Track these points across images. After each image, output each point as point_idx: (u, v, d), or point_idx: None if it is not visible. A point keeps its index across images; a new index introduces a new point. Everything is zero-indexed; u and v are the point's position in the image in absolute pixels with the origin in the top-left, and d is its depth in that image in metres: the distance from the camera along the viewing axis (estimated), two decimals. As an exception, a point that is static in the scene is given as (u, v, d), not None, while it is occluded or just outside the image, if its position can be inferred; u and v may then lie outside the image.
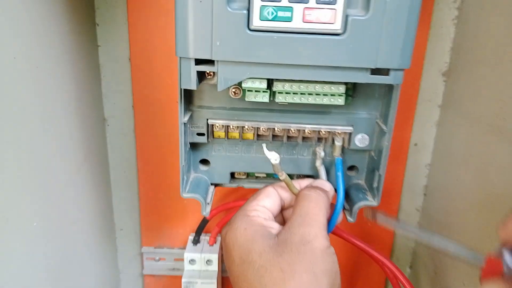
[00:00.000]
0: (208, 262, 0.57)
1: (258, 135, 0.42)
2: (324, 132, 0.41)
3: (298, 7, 0.31)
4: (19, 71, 0.35)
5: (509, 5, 0.42)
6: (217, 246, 0.58)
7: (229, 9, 0.31)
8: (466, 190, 0.49)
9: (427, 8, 0.52)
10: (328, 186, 0.38)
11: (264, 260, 0.32)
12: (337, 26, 0.32)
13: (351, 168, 0.44)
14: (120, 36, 0.52)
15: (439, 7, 0.52)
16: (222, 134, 0.42)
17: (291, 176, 0.41)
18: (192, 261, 0.57)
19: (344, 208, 0.43)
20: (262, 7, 0.31)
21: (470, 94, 0.49)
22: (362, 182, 0.44)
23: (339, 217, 0.38)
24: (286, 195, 0.38)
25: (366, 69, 0.33)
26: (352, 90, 0.39)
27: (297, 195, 0.36)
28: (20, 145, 0.36)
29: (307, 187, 0.37)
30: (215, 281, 0.56)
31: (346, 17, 0.32)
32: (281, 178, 0.37)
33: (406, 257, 0.66)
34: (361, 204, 0.41)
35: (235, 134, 0.42)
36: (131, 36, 0.51)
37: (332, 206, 0.38)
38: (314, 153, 0.42)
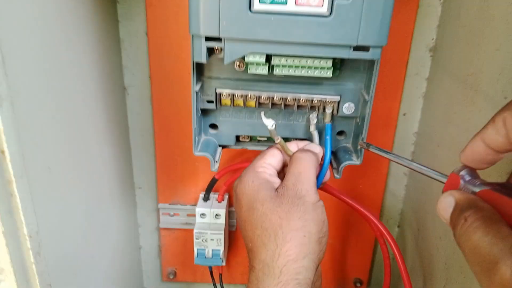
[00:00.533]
0: (217, 216, 0.64)
1: (260, 103, 0.48)
2: (316, 101, 0.47)
3: (291, -7, 0.38)
4: (55, 45, 0.42)
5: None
6: (224, 203, 0.66)
7: (234, -6, 0.38)
8: (448, 154, 0.56)
9: (415, -11, 0.57)
10: (317, 149, 0.44)
11: (266, 208, 0.38)
12: (324, 9, 0.38)
13: (340, 133, 0.51)
14: (138, 13, 0.58)
15: (427, -13, 0.57)
16: (228, 102, 0.48)
17: (287, 139, 0.48)
18: (202, 215, 0.65)
19: (332, 167, 0.49)
20: (262, -7, 0.38)
21: (452, 68, 0.55)
22: (349, 145, 0.51)
23: (327, 175, 0.45)
24: (286, 155, 0.45)
25: (349, 46, 0.40)
26: (340, 64, 0.45)
27: (291, 156, 0.43)
28: (57, 110, 0.43)
29: (299, 150, 0.44)
30: (222, 232, 0.63)
31: (332, 2, 0.38)
32: (276, 141, 0.43)
33: (395, 217, 0.73)
34: (346, 163, 0.47)
35: (240, 102, 0.48)
36: (148, 13, 0.57)
37: (321, 166, 0.44)
38: (308, 120, 0.49)
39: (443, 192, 0.29)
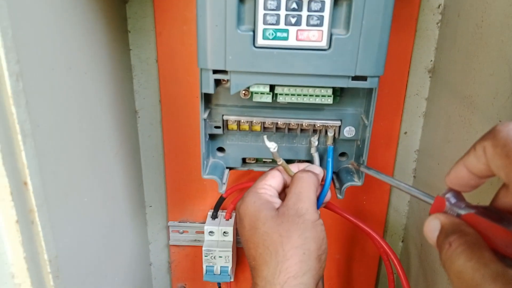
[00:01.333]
0: (225, 233, 0.66)
1: (265, 128, 0.51)
2: (318, 125, 0.50)
3: (292, 29, 0.40)
4: (73, 77, 0.45)
5: (475, 14, 0.49)
6: (232, 220, 0.68)
7: (238, 31, 0.40)
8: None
9: (413, 13, 0.59)
10: (318, 170, 0.46)
11: (267, 227, 0.40)
12: (323, 43, 0.40)
13: (342, 154, 0.53)
14: (148, 41, 0.61)
15: (424, 12, 0.59)
16: (235, 126, 0.51)
17: (291, 161, 0.50)
18: (211, 233, 0.67)
19: (335, 187, 0.51)
20: (265, 29, 0.40)
21: (450, 90, 0.57)
22: (351, 166, 0.53)
23: (328, 195, 0.47)
24: (288, 176, 0.47)
25: (348, 76, 0.42)
26: (340, 91, 0.47)
27: (292, 176, 0.45)
28: (75, 139, 0.45)
29: (300, 170, 0.46)
30: (230, 249, 0.65)
31: (330, 36, 0.40)
32: (279, 163, 0.46)
33: (399, 232, 0.74)
34: (348, 184, 0.49)
35: (246, 126, 0.51)
36: (157, 41, 0.60)
37: (322, 186, 0.46)
38: (310, 142, 0.51)
39: (429, 214, 0.31)
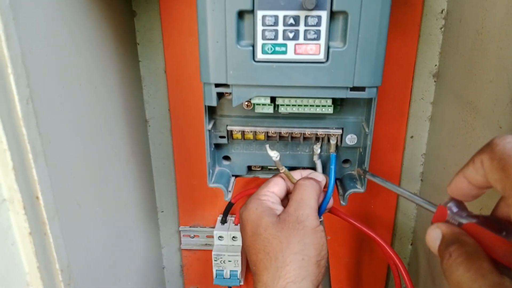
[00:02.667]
0: (234, 238, 0.68)
1: (268, 136, 0.52)
2: (321, 133, 0.51)
3: (290, 43, 0.41)
4: (84, 93, 0.47)
5: (476, 21, 0.50)
6: (241, 225, 0.69)
7: (238, 46, 0.41)
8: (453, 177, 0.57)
9: (415, 19, 0.59)
10: (320, 177, 0.47)
11: (268, 234, 0.42)
12: (321, 56, 0.41)
13: (346, 161, 0.54)
14: (157, 53, 0.63)
15: (427, 17, 0.60)
16: (239, 136, 0.52)
17: (294, 168, 0.51)
18: (220, 238, 0.68)
19: (338, 193, 0.52)
20: (264, 44, 0.41)
21: (454, 94, 0.57)
22: (354, 172, 0.54)
23: (330, 202, 0.48)
24: (291, 183, 0.48)
25: (346, 87, 0.43)
26: (340, 101, 0.48)
27: (295, 184, 0.46)
28: (86, 150, 0.48)
29: (303, 178, 0.47)
30: (239, 253, 0.67)
31: (328, 49, 0.41)
32: (281, 171, 0.47)
33: (408, 236, 0.75)
34: (350, 191, 0.50)
35: (250, 135, 0.52)
36: (166, 53, 0.62)
37: (325, 193, 0.47)
38: (313, 150, 0.52)
39: (432, 222, 0.31)
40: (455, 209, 0.30)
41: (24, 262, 0.37)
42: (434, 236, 0.29)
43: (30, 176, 0.35)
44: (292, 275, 0.39)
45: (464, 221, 0.30)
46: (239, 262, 0.67)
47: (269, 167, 0.57)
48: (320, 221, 0.43)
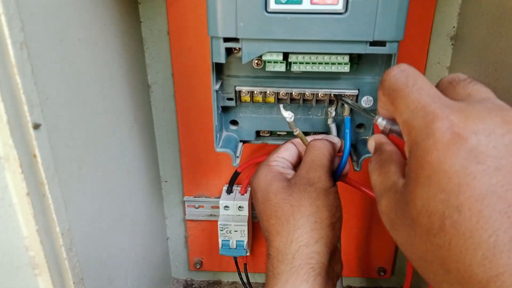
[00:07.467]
0: (240, 208, 0.66)
1: (278, 99, 0.49)
2: (335, 94, 0.48)
3: (306, -8, 0.38)
4: (83, 49, 0.44)
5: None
6: (247, 195, 0.67)
7: (249, -4, 0.38)
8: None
9: (435, -23, 0.56)
10: (335, 139, 0.45)
11: (279, 199, 0.40)
12: (339, 7, 0.38)
13: (360, 125, 0.51)
14: (159, 13, 0.60)
15: (447, -25, 0.56)
16: (248, 98, 0.49)
17: (307, 133, 0.48)
18: (226, 207, 0.66)
19: (352, 159, 0.50)
20: (277, -7, 0.38)
21: (473, 57, 0.54)
22: (368, 137, 0.51)
23: (346, 167, 0.45)
24: (303, 148, 0.46)
25: (366, 41, 0.40)
26: (357, 59, 0.45)
27: (306, 145, 0.44)
28: (86, 112, 0.45)
29: (315, 138, 0.44)
30: (245, 223, 0.65)
31: (347, -1, 0.38)
32: (295, 133, 0.44)
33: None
34: (365, 156, 0.48)
35: (259, 98, 0.49)
36: (168, 13, 0.59)
37: (340, 158, 0.45)
38: (327, 113, 0.50)
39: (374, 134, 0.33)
40: (383, 122, 0.30)
41: (22, 225, 0.34)
42: (369, 146, 0.32)
43: (26, 132, 0.32)
44: (305, 238, 0.37)
45: (396, 128, 0.30)
46: (246, 232, 0.65)
47: (278, 133, 0.54)
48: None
